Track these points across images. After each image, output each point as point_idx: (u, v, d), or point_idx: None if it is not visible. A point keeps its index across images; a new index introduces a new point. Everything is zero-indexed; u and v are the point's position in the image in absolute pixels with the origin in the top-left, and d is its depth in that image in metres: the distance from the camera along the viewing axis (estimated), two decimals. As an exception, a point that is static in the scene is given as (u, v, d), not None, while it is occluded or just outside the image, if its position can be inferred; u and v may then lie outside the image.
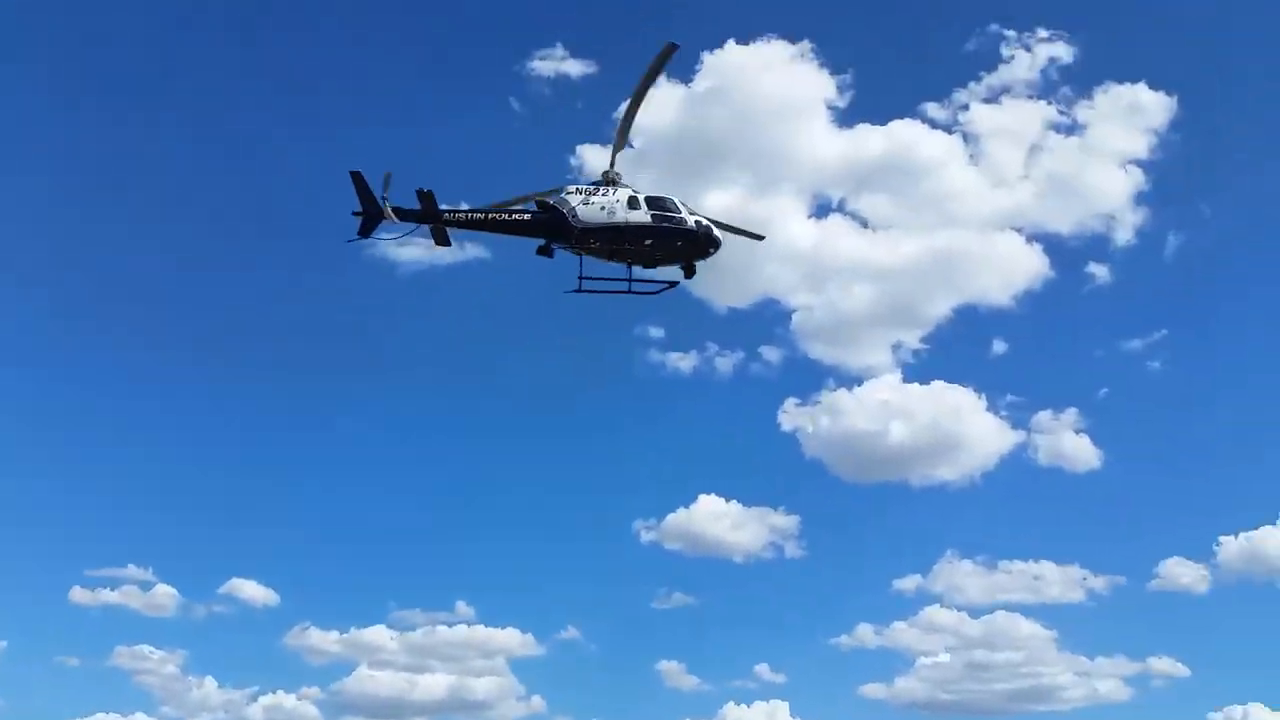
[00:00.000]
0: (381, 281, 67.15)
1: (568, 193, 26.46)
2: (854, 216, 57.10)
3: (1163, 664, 47.23)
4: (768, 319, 62.62)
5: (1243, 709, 45.36)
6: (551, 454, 64.53)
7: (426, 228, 26.89)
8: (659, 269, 27.06)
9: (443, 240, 27.06)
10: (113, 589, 57.60)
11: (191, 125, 75.37)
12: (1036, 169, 56.49)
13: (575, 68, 64.70)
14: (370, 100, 73.75)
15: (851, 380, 59.78)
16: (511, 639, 56.05)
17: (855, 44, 70.95)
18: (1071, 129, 57.00)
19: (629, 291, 27.10)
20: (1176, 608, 50.66)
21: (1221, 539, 49.66)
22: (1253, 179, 61.10)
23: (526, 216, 26.46)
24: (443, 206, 26.97)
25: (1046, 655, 49.27)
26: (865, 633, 52.61)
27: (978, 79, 59.39)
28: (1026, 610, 51.14)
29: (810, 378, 61.49)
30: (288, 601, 58.64)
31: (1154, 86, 56.02)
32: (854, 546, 58.46)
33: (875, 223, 58.14)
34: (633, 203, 26.30)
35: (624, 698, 56.50)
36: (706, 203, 51.21)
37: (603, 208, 26.05)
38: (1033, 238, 55.79)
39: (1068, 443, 53.61)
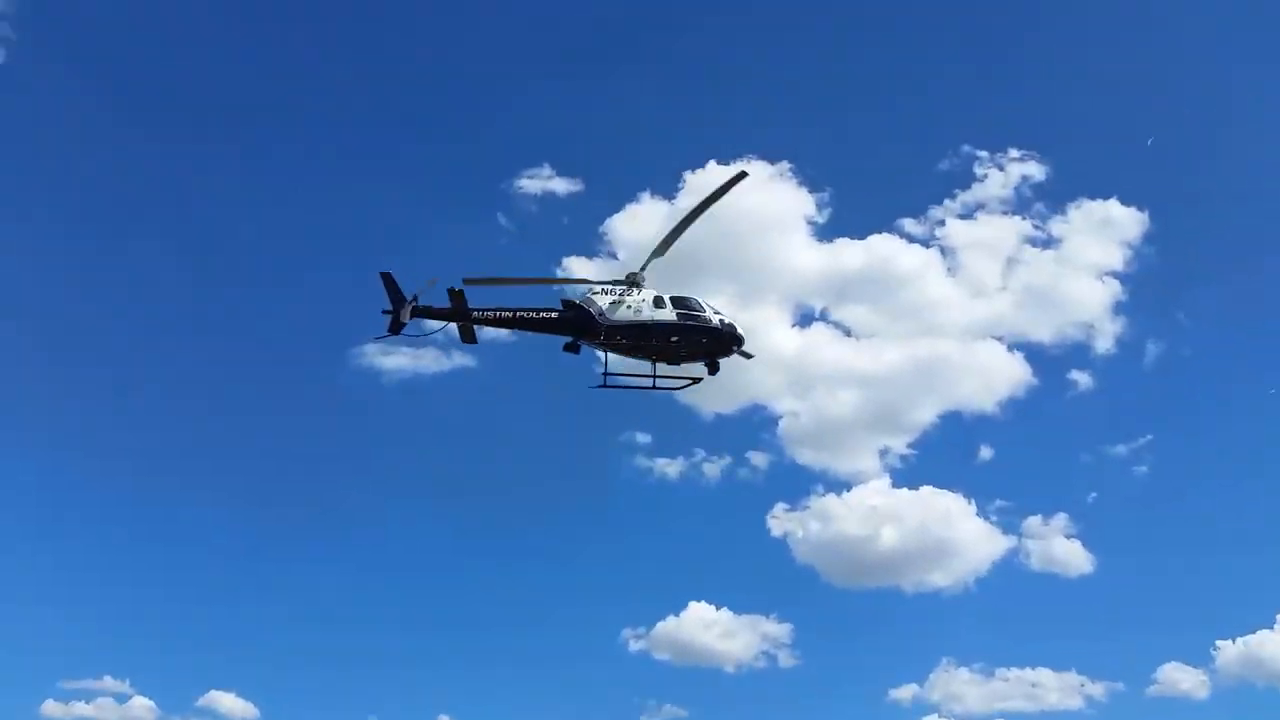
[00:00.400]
0: (367, 391, 68.07)
1: (593, 293, 27.47)
2: (836, 325, 59.03)
3: None
4: (755, 424, 63.28)
5: None
6: (538, 562, 64.05)
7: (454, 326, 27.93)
8: (683, 366, 27.89)
9: (469, 338, 27.89)
10: (87, 701, 55.67)
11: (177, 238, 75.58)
12: (1014, 280, 58.78)
13: (561, 185, 66.92)
14: (362, 213, 75.45)
15: (840, 485, 60.38)
16: None
17: (832, 164, 73.41)
18: (1047, 243, 59.44)
19: (654, 387, 27.97)
20: (1176, 714, 50.90)
21: (1219, 643, 50.01)
22: (1225, 287, 63.32)
23: (554, 315, 27.29)
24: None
25: None
26: None
27: (953, 196, 62.20)
28: (1026, 718, 51.20)
29: (798, 483, 62.07)
30: (267, 715, 56.91)
31: (1125, 202, 58.75)
32: (848, 655, 57.84)
33: (858, 331, 59.92)
34: (658, 302, 27.32)
35: None
36: None
37: (629, 306, 27.03)
38: (1013, 346, 57.69)
39: (1059, 548, 54.37)
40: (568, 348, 27.79)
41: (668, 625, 55.41)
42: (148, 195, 77.24)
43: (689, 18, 77.83)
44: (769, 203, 59.90)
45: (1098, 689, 49.21)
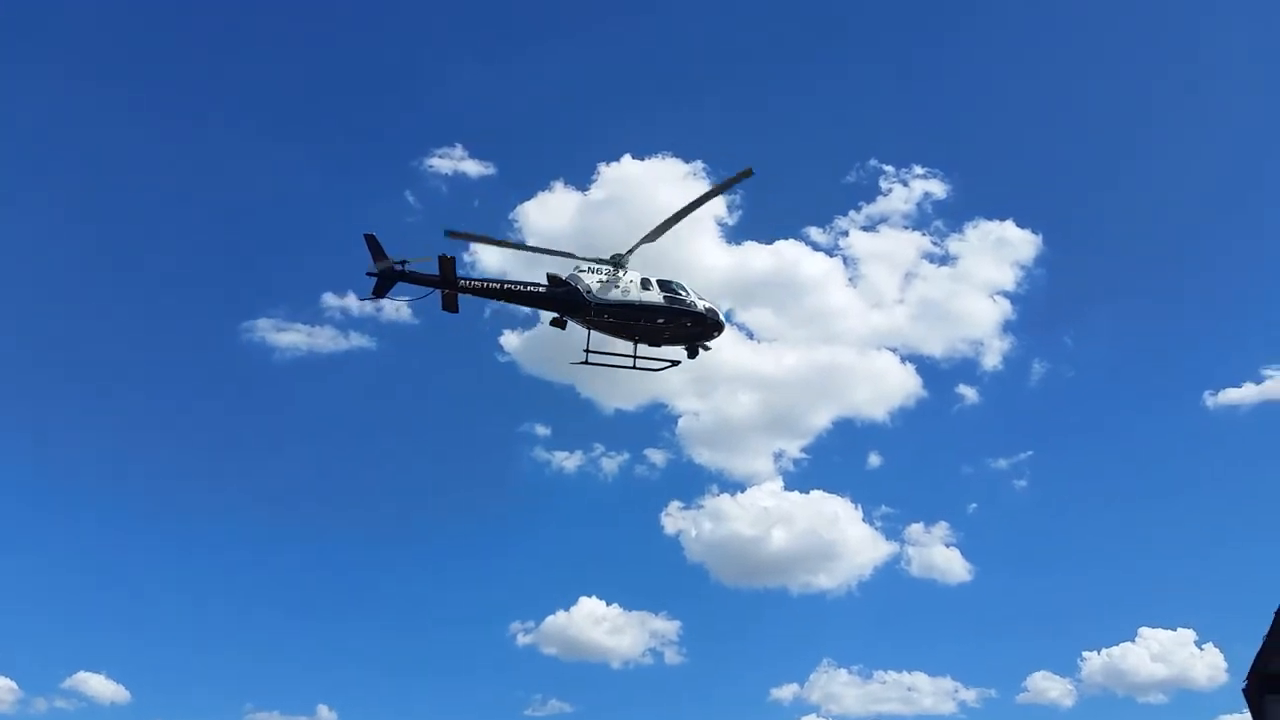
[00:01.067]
0: (256, 368, 64.83)
1: (580, 270, 27.60)
2: (740, 327, 60.47)
3: None
4: (655, 422, 62.85)
5: None
6: (428, 552, 62.67)
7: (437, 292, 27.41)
8: (663, 349, 28.22)
9: (452, 307, 27.30)
10: (-56, 683, 50.86)
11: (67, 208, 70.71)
12: (911, 294, 60.32)
13: (473, 167, 65.15)
14: (265, 180, 71.80)
15: (734, 486, 61.09)
16: None
17: (744, 167, 74.40)
18: (944, 259, 60.84)
19: (634, 367, 28.09)
20: None
21: (1085, 654, 51.58)
22: (1109, 313, 65.40)
23: (542, 290, 27.29)
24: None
25: None
26: None
27: (857, 208, 63.48)
28: None
29: (694, 482, 62.06)
30: (139, 699, 53.78)
31: (1021, 224, 60.61)
32: (733, 653, 58.25)
33: (760, 334, 61.06)
34: (645, 284, 27.76)
35: None
36: None
37: (618, 286, 27.28)
38: (907, 358, 59.26)
39: (939, 555, 55.37)
40: (554, 323, 27.87)
41: (557, 620, 54.96)
42: (32, 158, 72.83)
43: (619, 12, 77.65)
44: (682, 201, 59.97)
45: (970, 695, 51.29)
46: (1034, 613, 56.99)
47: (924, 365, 59.28)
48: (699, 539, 56.41)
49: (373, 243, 26.61)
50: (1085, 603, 56.46)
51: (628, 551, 62.51)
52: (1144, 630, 50.14)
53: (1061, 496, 60.42)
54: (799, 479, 59.55)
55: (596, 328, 27.33)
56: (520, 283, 27.64)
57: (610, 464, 59.45)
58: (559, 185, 62.73)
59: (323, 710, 52.74)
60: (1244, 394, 54.49)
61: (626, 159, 59.92)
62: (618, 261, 28.23)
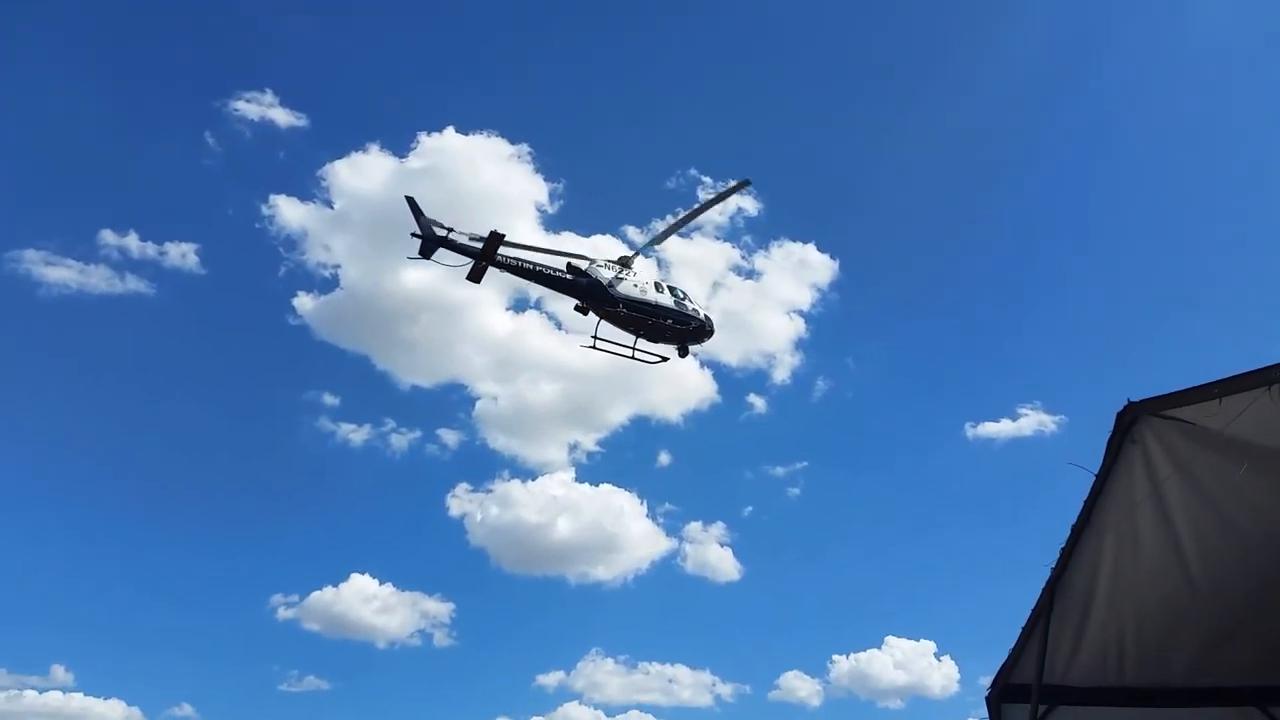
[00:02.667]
0: (18, 303, 56.72)
1: (599, 265, 29.23)
2: (550, 317, 58.30)
3: None
4: (452, 402, 61.75)
5: None
6: (191, 514, 59.36)
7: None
8: (658, 345, 29.98)
9: (476, 278, 28.29)
10: None
11: None
12: (716, 302, 58.69)
13: (283, 116, 57.96)
14: (53, 107, 61.83)
15: (526, 473, 61.85)
16: (114, 711, 48.15)
17: (571, 158, 72.39)
18: (750, 274, 60.78)
19: (633, 358, 29.80)
20: (791, 717, 52.26)
21: (835, 658, 52.26)
22: (889, 342, 67.61)
23: (570, 278, 28.86)
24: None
25: None
26: None
27: (675, 214, 62.04)
28: (659, 712, 51.71)
29: (486, 466, 61.58)
30: None
31: (821, 249, 60.37)
32: (505, 639, 57.35)
33: (568, 325, 59.23)
34: (658, 287, 29.70)
35: None
36: (405, 278, 51.89)
37: (636, 285, 29.15)
38: (705, 364, 58.27)
39: (713, 554, 55.54)
40: (579, 309, 29.39)
41: (324, 596, 52.58)
42: None
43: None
44: (503, 181, 57.26)
45: (727, 689, 50.79)
46: (793, 615, 59.03)
47: (720, 372, 59.05)
48: (484, 523, 55.53)
49: (413, 205, 27.67)
50: (840, 609, 59.08)
51: (408, 531, 61.55)
52: (890, 639, 51.40)
53: (829, 508, 62.63)
54: (591, 471, 61.24)
55: (610, 319, 28.99)
56: (551, 268, 28.95)
57: (400, 440, 57.43)
58: (375, 148, 58.79)
59: (58, 671, 48.39)
60: (1000, 428, 57.51)
61: (450, 131, 56.69)
62: (625, 262, 29.89)
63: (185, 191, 62.55)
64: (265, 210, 57.16)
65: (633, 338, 29.34)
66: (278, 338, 62.16)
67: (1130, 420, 7.25)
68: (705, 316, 30.03)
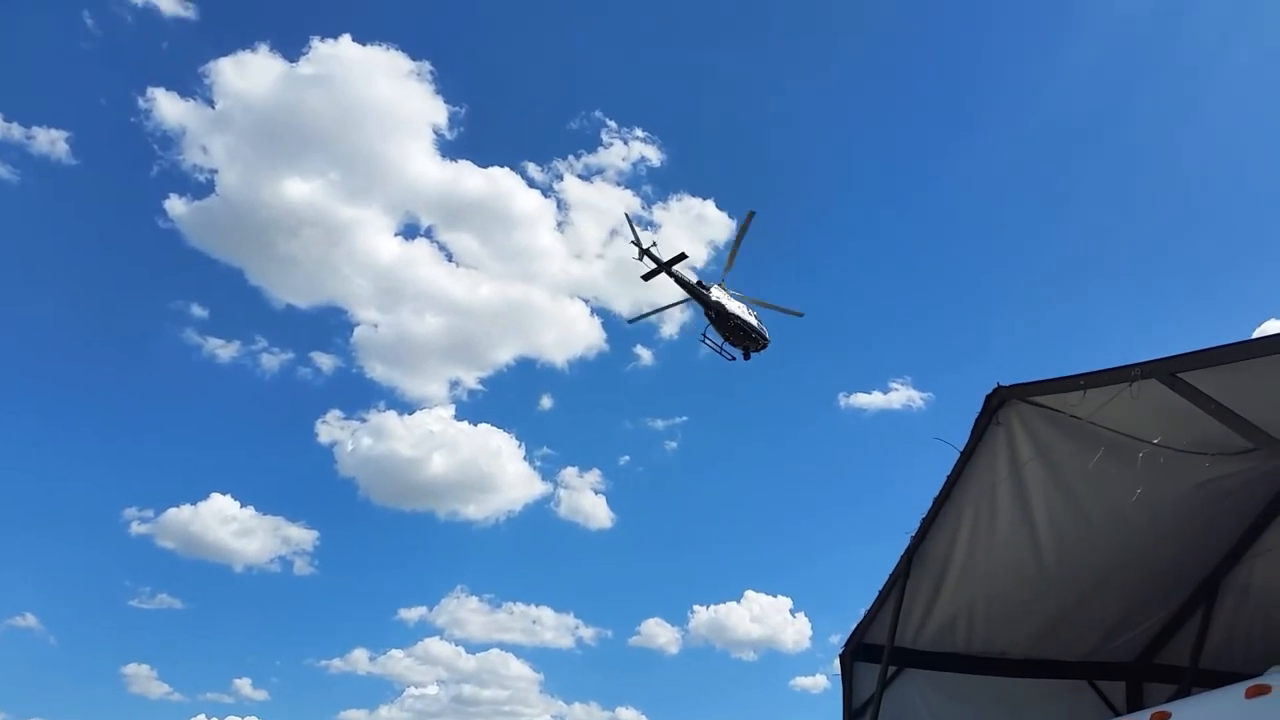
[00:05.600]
0: None
1: (715, 288, 35.63)
2: (441, 248, 57.92)
3: (629, 714, 50.57)
4: (329, 326, 61.73)
5: None
6: (41, 417, 56.95)
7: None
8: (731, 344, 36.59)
9: (649, 278, 34.72)
10: None
11: None
12: (611, 250, 59.36)
13: (169, 5, 54.82)
14: None
15: (403, 406, 60.94)
16: None
17: (475, 83, 68.77)
18: (648, 224, 60.39)
19: (720, 352, 36.69)
20: (649, 661, 54.33)
21: (696, 608, 54.42)
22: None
23: (704, 296, 35.23)
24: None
25: (530, 696, 51.39)
26: (360, 658, 50.85)
27: (577, 155, 61.76)
28: (520, 650, 53.80)
29: (361, 395, 61.84)
30: None
31: (720, 206, 60.62)
32: (368, 571, 57.86)
33: (460, 259, 58.81)
34: (749, 309, 36.38)
35: (80, 698, 51.19)
36: (287, 190, 50.91)
37: (738, 309, 35.83)
38: (596, 311, 59.32)
39: (587, 501, 56.55)
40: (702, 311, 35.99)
41: (181, 513, 51.28)
42: None
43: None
44: (399, 99, 55.23)
45: (589, 632, 52.63)
46: (659, 565, 60.38)
47: (610, 321, 59.58)
48: (354, 453, 54.74)
49: (629, 219, 34.81)
50: (705, 562, 61.03)
51: (274, 455, 60.26)
52: (749, 593, 53.36)
53: (702, 464, 63.61)
54: (471, 409, 60.75)
55: (719, 328, 35.58)
56: (700, 283, 35.19)
57: (271, 361, 55.70)
58: (264, 49, 55.75)
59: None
60: (872, 400, 58.64)
61: (346, 40, 54.75)
62: (721, 285, 36.22)
63: (57, 74, 57.64)
64: (142, 104, 54.36)
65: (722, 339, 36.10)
66: (146, 241, 59.35)
67: (998, 403, 7.48)
68: (767, 334, 37.07)
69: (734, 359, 36.60)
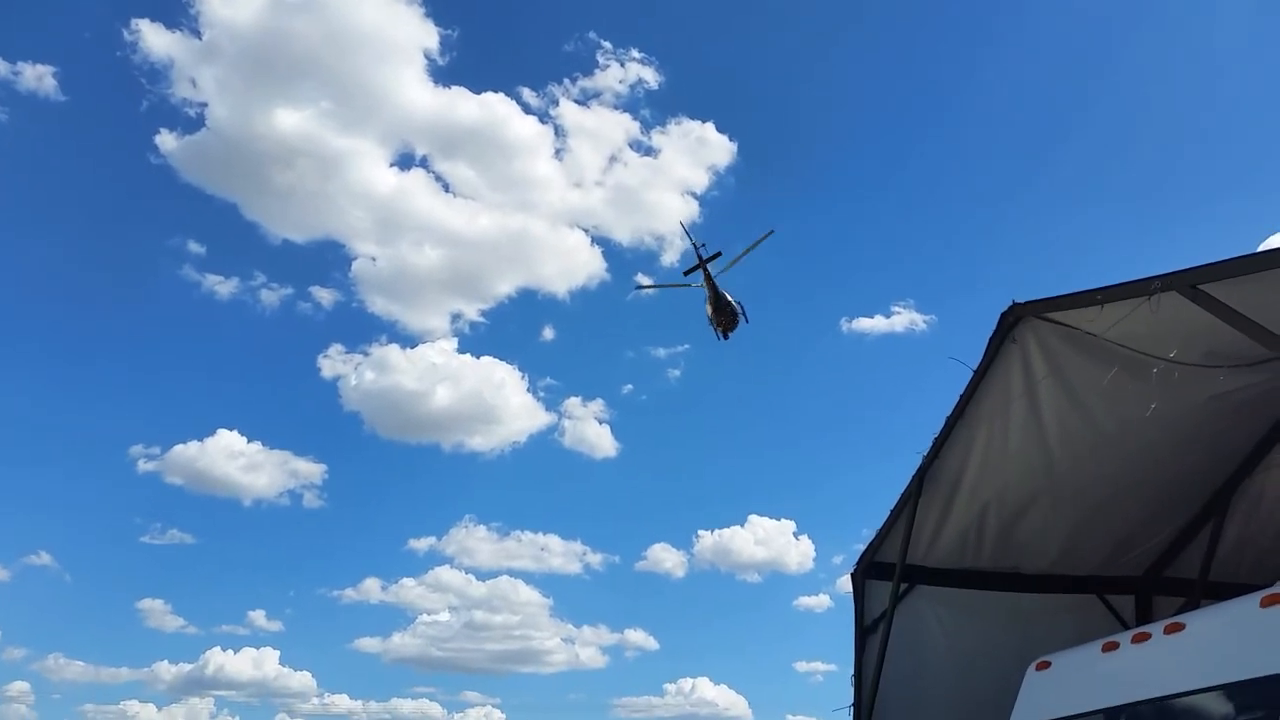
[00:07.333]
0: None
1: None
2: (438, 178, 56.36)
3: (637, 636, 50.12)
4: (327, 261, 58.91)
5: (693, 682, 52.66)
6: (46, 358, 55.83)
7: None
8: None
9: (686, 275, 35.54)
10: None
11: None
12: (610, 178, 57.62)
13: None
14: None
15: (405, 340, 58.63)
16: None
17: (467, 5, 64.29)
18: (647, 150, 56.87)
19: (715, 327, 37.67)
20: (656, 585, 53.54)
21: (700, 533, 53.30)
22: (774, 235, 67.87)
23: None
24: None
25: (540, 620, 50.73)
26: (371, 587, 50.26)
27: (573, 79, 58.89)
28: (529, 577, 53.38)
29: (362, 329, 59.18)
30: None
31: (720, 130, 56.25)
32: (377, 503, 57.00)
33: (457, 189, 57.43)
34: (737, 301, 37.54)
35: (96, 633, 52.25)
36: (278, 121, 48.26)
37: (732, 299, 36.57)
38: (596, 240, 57.81)
39: (591, 430, 54.73)
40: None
41: (188, 450, 50.06)
42: None
43: None
44: (389, 24, 51.60)
45: (596, 558, 52.69)
46: (664, 492, 60.17)
47: (610, 250, 58.05)
48: (358, 387, 54.21)
49: (686, 232, 35.07)
50: (709, 488, 60.43)
51: (278, 389, 58.75)
52: (753, 517, 52.65)
53: (704, 391, 61.66)
54: (473, 342, 58.72)
55: (715, 310, 36.33)
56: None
57: (271, 296, 53.73)
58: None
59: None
60: (874, 324, 55.94)
61: None
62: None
63: (40, 6, 56.27)
64: (127, 35, 52.79)
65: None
66: (140, 177, 56.09)
67: (1013, 320, 7.42)
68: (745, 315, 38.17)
69: (720, 339, 37.56)
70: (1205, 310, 6.00)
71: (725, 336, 37.58)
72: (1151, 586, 10.40)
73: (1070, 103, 65.66)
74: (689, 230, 35.57)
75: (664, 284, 40.73)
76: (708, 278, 35.94)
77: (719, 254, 35.34)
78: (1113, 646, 6.29)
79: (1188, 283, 6.00)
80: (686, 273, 36.09)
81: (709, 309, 36.76)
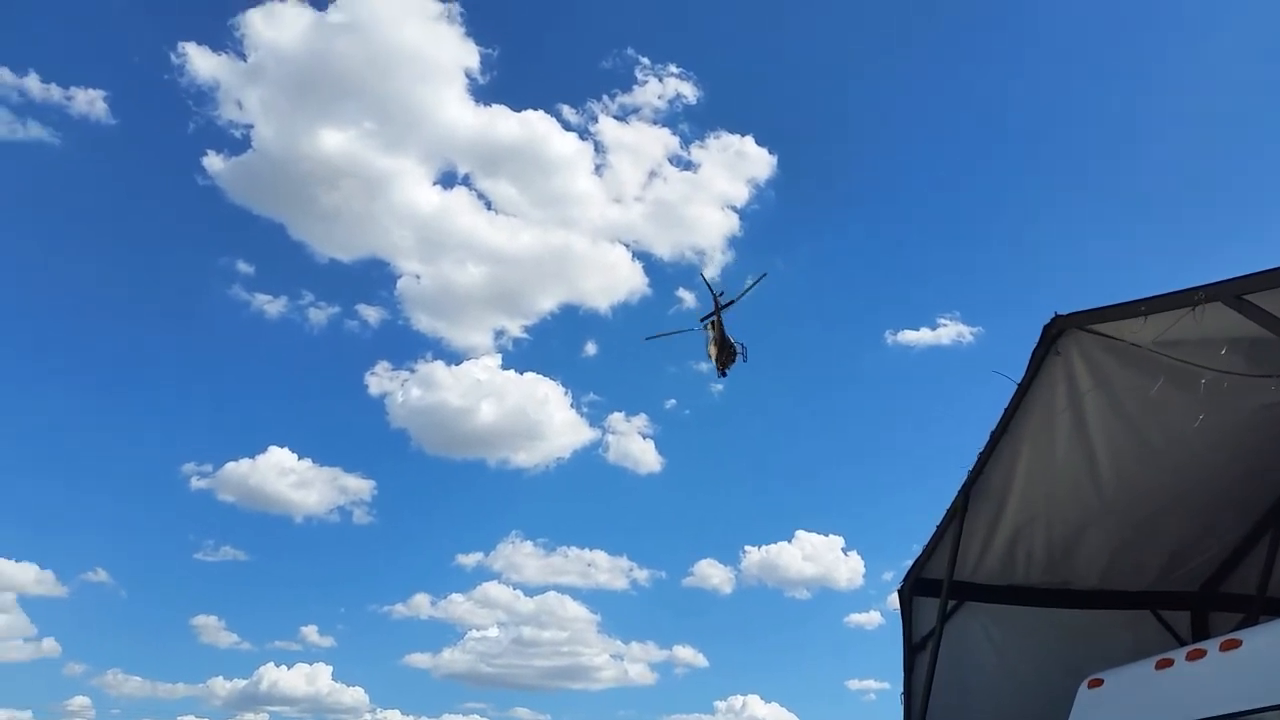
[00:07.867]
0: None
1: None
2: (480, 195, 56.80)
3: (686, 653, 51.64)
4: (373, 279, 60.27)
5: (743, 699, 52.20)
6: (100, 378, 55.71)
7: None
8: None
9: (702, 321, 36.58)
10: None
11: None
12: (650, 193, 57.88)
13: None
14: None
15: (450, 357, 59.29)
16: (26, 575, 50.03)
17: (507, 24, 66.98)
18: (686, 164, 58.95)
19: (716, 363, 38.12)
20: (704, 601, 55.10)
21: (747, 548, 54.40)
22: (820, 246, 67.55)
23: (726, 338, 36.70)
24: None
25: (588, 636, 52.36)
26: (421, 603, 52.49)
27: (611, 95, 59.44)
28: (576, 593, 54.63)
29: (407, 346, 60.19)
30: None
31: (760, 143, 58.37)
32: (425, 519, 57.65)
33: (499, 206, 58.18)
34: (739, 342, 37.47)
35: (152, 649, 49.08)
36: (323, 141, 47.56)
37: (733, 340, 36.34)
38: (637, 255, 57.86)
39: (635, 446, 56.47)
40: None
41: (239, 467, 48.13)
42: None
43: None
44: (430, 44, 53.51)
45: (643, 574, 52.87)
46: (709, 507, 56.56)
47: (651, 265, 57.86)
48: (405, 404, 55.27)
49: (705, 280, 35.71)
50: (754, 503, 56.66)
51: (327, 407, 59.66)
52: (800, 533, 49.95)
53: (750, 405, 62.78)
54: (517, 358, 58.86)
55: (719, 350, 36.20)
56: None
57: (318, 315, 55.89)
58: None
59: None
60: (920, 336, 57.68)
61: None
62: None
63: (90, 32, 58.03)
64: (174, 59, 54.52)
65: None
66: (188, 199, 58.89)
67: (1056, 333, 7.36)
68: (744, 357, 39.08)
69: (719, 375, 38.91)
70: (1251, 320, 5.92)
71: (723, 373, 38.53)
72: (1208, 602, 10.20)
73: (1118, 114, 64.98)
74: (709, 281, 36.33)
75: (671, 331, 41.38)
76: (718, 322, 37.09)
77: (728, 301, 35.70)
78: (1167, 664, 6.19)
79: (1232, 293, 5.93)
80: (703, 319, 37.22)
81: (713, 349, 38.44)
